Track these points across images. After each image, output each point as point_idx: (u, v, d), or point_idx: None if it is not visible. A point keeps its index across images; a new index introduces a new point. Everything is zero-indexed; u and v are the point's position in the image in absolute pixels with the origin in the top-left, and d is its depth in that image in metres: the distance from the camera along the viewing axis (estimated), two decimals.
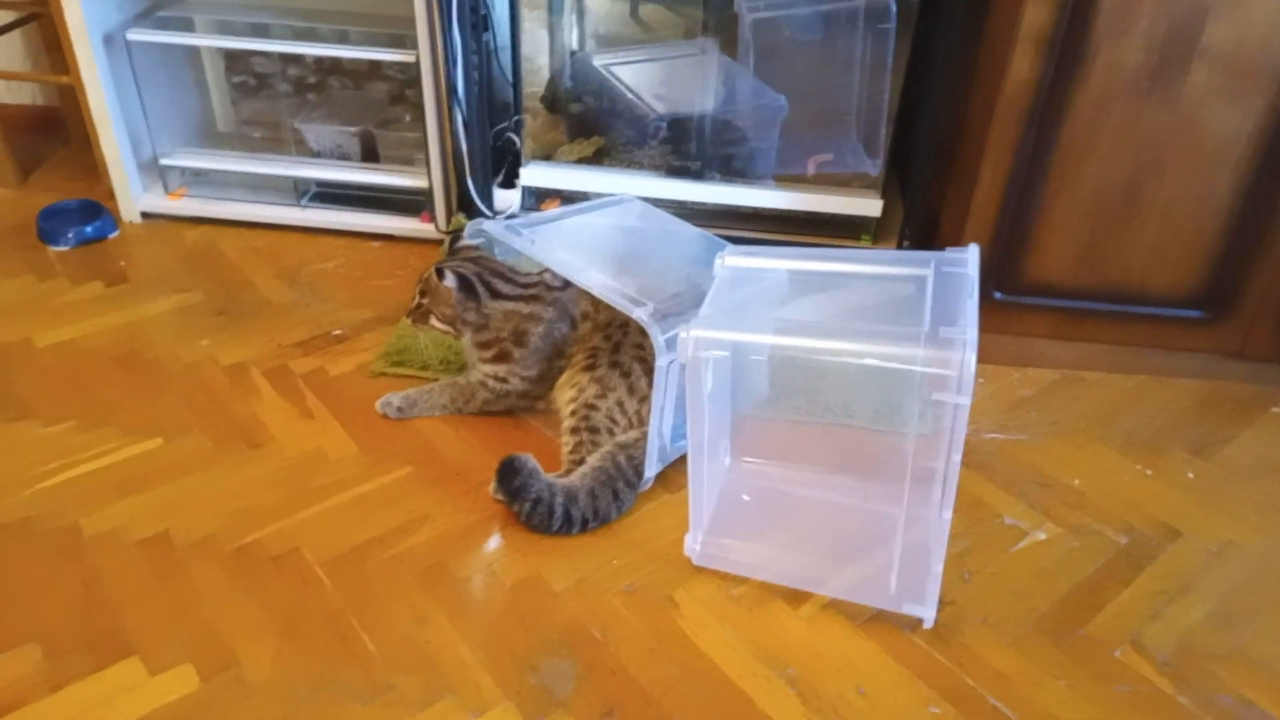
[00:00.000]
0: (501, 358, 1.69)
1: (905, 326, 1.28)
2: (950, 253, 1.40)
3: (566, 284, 1.69)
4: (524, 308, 1.68)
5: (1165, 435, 1.77)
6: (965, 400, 1.18)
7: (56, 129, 2.71)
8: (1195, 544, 1.54)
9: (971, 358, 1.17)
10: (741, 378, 1.63)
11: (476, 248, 1.76)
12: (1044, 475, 1.66)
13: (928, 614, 1.37)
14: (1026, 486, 1.64)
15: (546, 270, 1.70)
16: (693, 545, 1.46)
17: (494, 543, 1.50)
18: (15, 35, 2.56)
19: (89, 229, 2.23)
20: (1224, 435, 1.77)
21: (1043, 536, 1.54)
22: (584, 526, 1.50)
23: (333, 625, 1.35)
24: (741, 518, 1.55)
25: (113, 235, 2.27)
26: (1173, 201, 1.72)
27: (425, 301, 1.69)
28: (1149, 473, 1.68)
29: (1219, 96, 1.62)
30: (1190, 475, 1.68)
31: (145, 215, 2.34)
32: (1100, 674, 1.33)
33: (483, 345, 1.70)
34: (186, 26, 2.25)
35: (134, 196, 2.31)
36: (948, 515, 1.27)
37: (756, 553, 1.48)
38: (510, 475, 1.49)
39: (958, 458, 1.22)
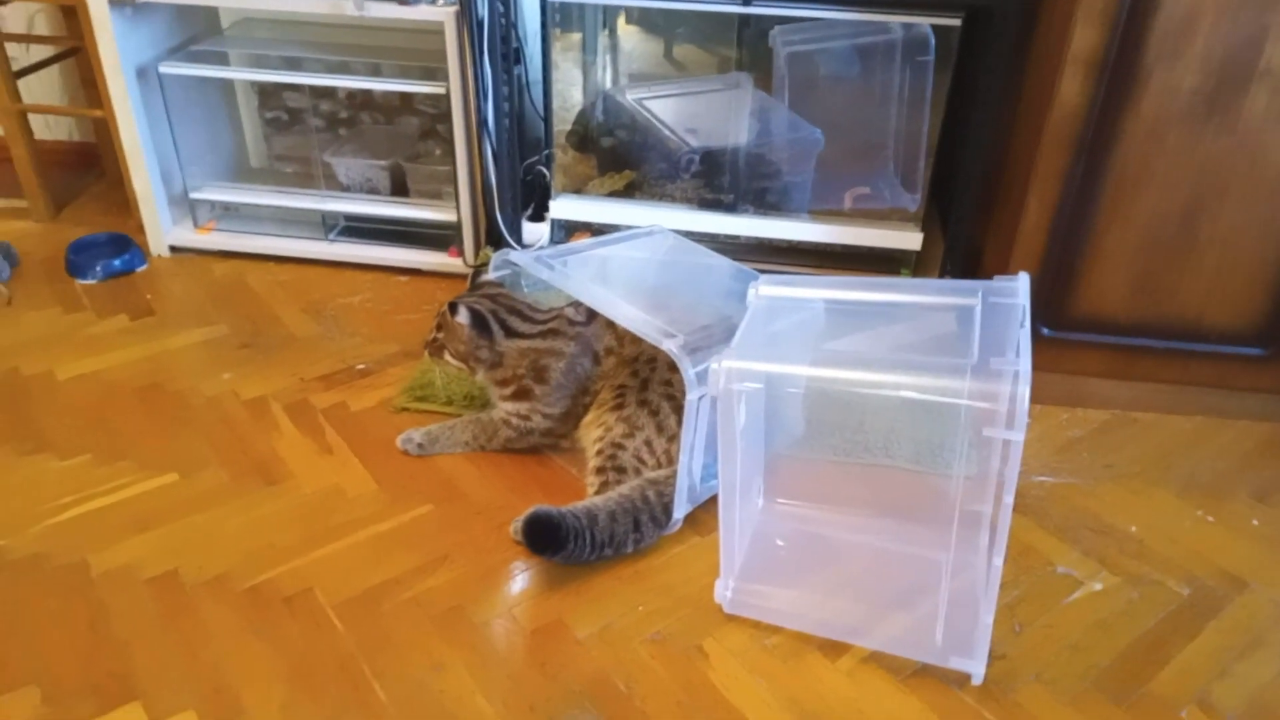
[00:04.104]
0: (522, 395, 1.63)
1: (951, 358, 1.21)
2: (999, 281, 1.33)
3: (590, 318, 1.64)
4: (541, 343, 1.63)
5: (1227, 479, 1.67)
6: (1017, 436, 1.10)
7: (92, 164, 2.73)
8: (1263, 595, 1.44)
9: (1025, 390, 1.10)
10: (776, 414, 1.56)
11: (498, 283, 1.72)
12: (1099, 521, 1.57)
13: (976, 669, 1.28)
14: (1080, 533, 1.54)
15: (569, 304, 1.65)
16: (723, 592, 1.38)
17: (515, 586, 1.43)
18: (54, 71, 2.58)
19: (117, 262, 2.22)
20: None
21: (1099, 587, 1.45)
22: (599, 552, 1.42)
23: (344, 672, 1.28)
24: (775, 563, 1.47)
25: (141, 269, 2.26)
26: (1232, 232, 1.63)
27: (440, 336, 1.65)
28: (1211, 519, 1.58)
29: None
30: (1255, 522, 1.58)
31: (174, 249, 2.33)
32: None
33: (500, 383, 1.64)
34: (220, 61, 2.25)
35: (163, 230, 2.30)
36: (998, 562, 1.19)
37: (792, 600, 1.39)
38: (549, 531, 1.40)
39: (1009, 499, 1.14)
